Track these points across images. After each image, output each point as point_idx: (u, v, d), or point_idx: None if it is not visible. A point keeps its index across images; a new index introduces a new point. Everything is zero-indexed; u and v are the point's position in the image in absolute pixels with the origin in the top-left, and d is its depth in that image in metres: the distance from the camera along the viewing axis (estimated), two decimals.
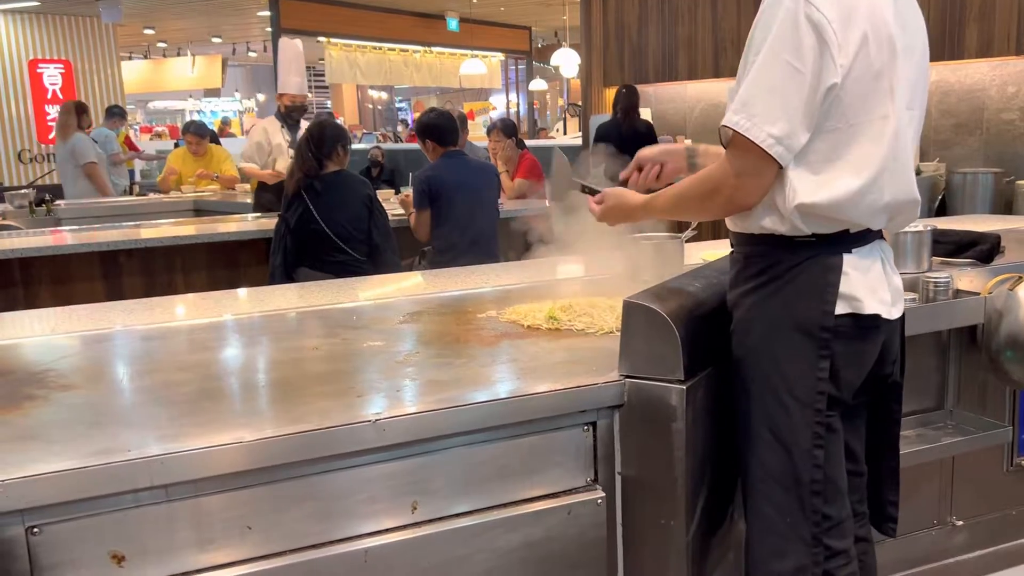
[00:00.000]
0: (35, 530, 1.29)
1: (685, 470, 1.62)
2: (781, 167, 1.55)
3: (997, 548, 2.74)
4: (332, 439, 1.45)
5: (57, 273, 4.32)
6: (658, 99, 8.15)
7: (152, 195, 7.46)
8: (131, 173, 9.39)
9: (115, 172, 8.06)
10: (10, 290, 4.21)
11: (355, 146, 9.23)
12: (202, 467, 1.36)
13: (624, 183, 2.11)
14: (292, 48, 5.59)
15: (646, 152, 2.12)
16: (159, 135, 17.19)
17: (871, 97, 1.54)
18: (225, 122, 18.06)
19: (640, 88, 7.41)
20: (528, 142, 8.11)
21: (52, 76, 11.70)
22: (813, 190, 1.55)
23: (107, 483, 1.31)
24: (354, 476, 1.49)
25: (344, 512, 1.48)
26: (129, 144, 9.85)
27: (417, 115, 7.78)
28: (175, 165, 7.30)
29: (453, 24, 14.43)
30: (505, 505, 1.60)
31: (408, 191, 4.87)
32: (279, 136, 5.45)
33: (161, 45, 18.32)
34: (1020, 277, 2.38)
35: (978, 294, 2.39)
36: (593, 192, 2.06)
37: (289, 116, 5.49)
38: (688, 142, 7.78)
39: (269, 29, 12.80)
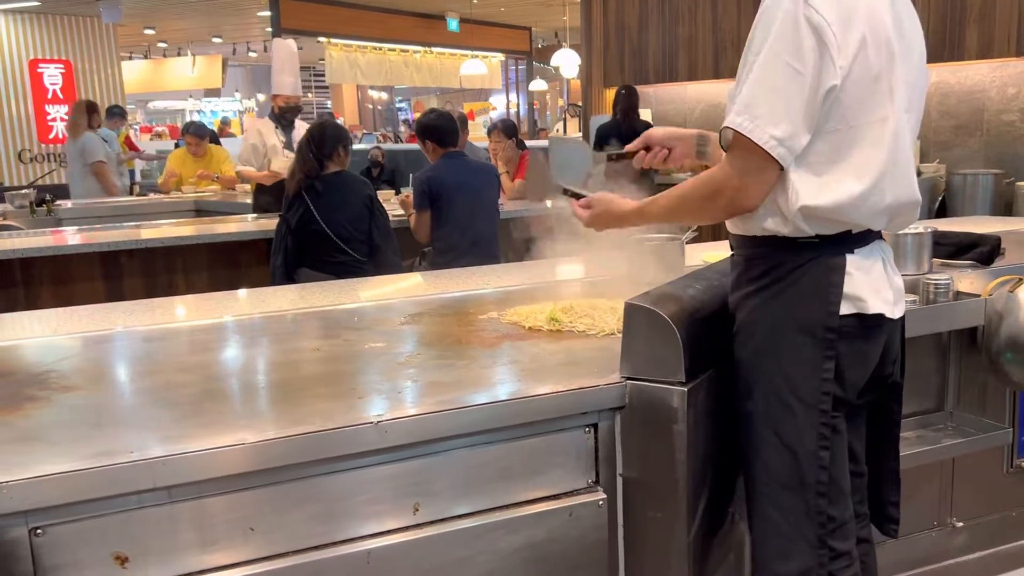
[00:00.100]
0: (38, 531, 1.29)
1: (686, 472, 1.63)
2: (782, 169, 1.55)
3: (997, 549, 2.74)
4: (334, 441, 1.45)
5: (58, 273, 4.33)
6: (658, 100, 8.15)
7: (153, 195, 7.46)
8: (131, 173, 9.39)
9: (115, 172, 8.07)
10: (11, 290, 4.22)
11: (355, 146, 9.23)
12: (205, 469, 1.37)
13: (624, 157, 2.08)
14: (286, 49, 5.58)
15: (656, 133, 2.09)
16: (159, 135, 17.19)
17: (870, 99, 1.55)
18: (225, 122, 18.06)
19: (640, 89, 7.41)
20: (528, 142, 8.12)
21: (52, 76, 11.70)
22: (816, 192, 1.56)
23: (110, 484, 1.31)
24: (356, 477, 1.49)
25: (346, 513, 1.49)
26: (129, 144, 9.86)
27: (418, 115, 7.78)
28: (175, 167, 7.31)
29: (453, 24, 14.43)
30: (507, 507, 1.60)
31: (408, 191, 4.87)
32: (273, 137, 5.46)
33: (161, 45, 18.32)
34: (1020, 279, 2.38)
35: (978, 296, 2.39)
36: (577, 196, 2.02)
37: (283, 117, 5.49)
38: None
39: (269, 29, 12.79)
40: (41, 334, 2.29)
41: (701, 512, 1.71)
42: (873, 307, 1.61)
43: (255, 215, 5.57)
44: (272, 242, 4.26)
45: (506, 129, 6.71)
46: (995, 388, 2.60)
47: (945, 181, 6.18)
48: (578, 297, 2.34)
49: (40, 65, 11.62)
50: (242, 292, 2.88)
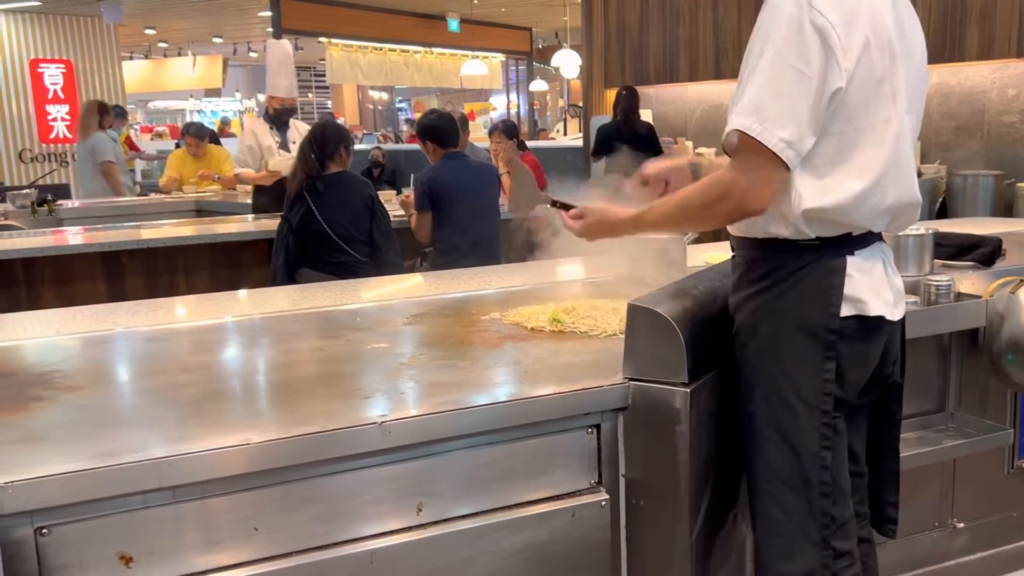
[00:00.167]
0: (44, 531, 1.29)
1: (689, 472, 1.63)
2: (789, 171, 1.55)
3: (998, 550, 2.75)
4: (338, 441, 1.45)
5: (60, 273, 4.33)
6: (659, 100, 8.16)
7: (154, 195, 7.47)
8: (132, 173, 9.40)
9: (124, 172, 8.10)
10: (13, 290, 4.22)
11: (356, 146, 9.25)
12: (209, 469, 1.37)
13: (568, 207, 2.00)
14: (281, 51, 5.57)
15: (652, 169, 2.08)
16: (160, 135, 17.20)
17: (874, 101, 1.56)
18: (225, 122, 18.06)
19: (641, 89, 7.42)
20: (528, 143, 8.12)
21: (53, 76, 11.70)
22: (818, 195, 1.56)
23: (115, 484, 1.32)
24: (360, 478, 1.49)
25: (350, 514, 1.49)
26: (130, 144, 9.87)
27: (418, 115, 7.79)
28: (175, 168, 7.31)
29: (454, 25, 14.44)
30: (510, 507, 1.61)
31: (408, 192, 4.87)
32: (268, 138, 5.46)
33: (162, 45, 18.32)
34: (1021, 280, 2.38)
35: (980, 297, 2.40)
36: (566, 207, 1.98)
37: (278, 118, 5.49)
38: (689, 144, 7.79)
39: (270, 29, 12.80)
40: (45, 334, 2.29)
41: (703, 513, 1.72)
42: (873, 309, 1.62)
43: (255, 215, 5.57)
44: (273, 242, 4.26)
45: (507, 130, 6.73)
46: (996, 389, 2.61)
47: (945, 182, 6.18)
48: (580, 298, 2.34)
49: (41, 65, 11.62)
50: (244, 292, 2.89)
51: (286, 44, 5.71)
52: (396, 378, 1.79)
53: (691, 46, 7.69)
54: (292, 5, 12.07)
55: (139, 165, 11.19)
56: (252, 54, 19.10)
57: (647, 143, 7.00)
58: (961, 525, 2.69)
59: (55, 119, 11.72)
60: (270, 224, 4.63)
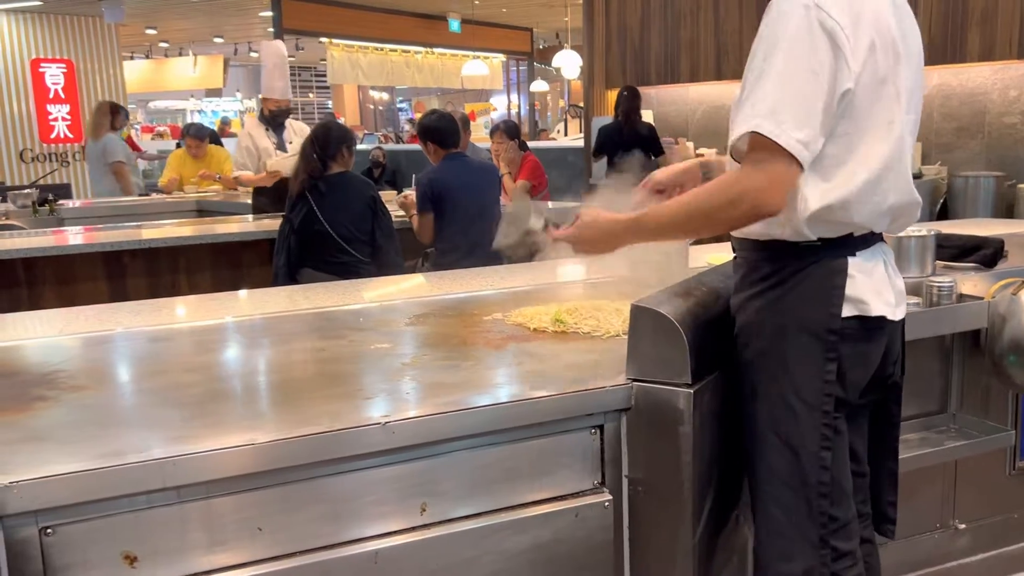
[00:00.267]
0: (49, 531, 1.30)
1: (692, 473, 1.63)
2: (801, 172, 1.53)
3: (1000, 551, 2.75)
4: (342, 441, 1.46)
5: (61, 273, 4.33)
6: (660, 101, 8.16)
7: (155, 195, 7.48)
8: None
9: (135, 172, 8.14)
10: (14, 290, 4.23)
11: (357, 147, 9.26)
12: (214, 469, 1.37)
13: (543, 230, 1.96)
14: (275, 52, 5.57)
15: (662, 175, 2.05)
16: (160, 135, 17.21)
17: (879, 102, 1.56)
18: (225, 122, 18.07)
19: (642, 90, 7.42)
20: (529, 143, 8.12)
21: (54, 75, 11.70)
22: (823, 196, 1.57)
23: (120, 484, 1.32)
24: (364, 478, 1.49)
25: (354, 514, 1.49)
26: (131, 144, 9.85)
27: (419, 116, 7.79)
28: (175, 168, 7.31)
29: (455, 25, 14.46)
30: (513, 507, 1.61)
31: (407, 192, 4.88)
32: (264, 139, 5.46)
33: (163, 45, 18.33)
34: (1023, 281, 2.38)
35: (981, 298, 2.40)
36: (556, 225, 1.90)
37: (274, 119, 5.49)
38: (690, 145, 7.78)
39: (271, 30, 12.80)
40: (47, 334, 2.29)
41: (706, 514, 1.72)
42: (875, 309, 1.62)
43: (255, 215, 5.57)
44: (275, 242, 4.27)
45: (508, 130, 6.73)
46: (998, 390, 2.61)
47: (946, 183, 6.19)
48: (583, 298, 2.34)
49: (42, 65, 11.62)
50: (246, 293, 2.89)
51: (280, 45, 5.71)
52: (399, 379, 1.79)
53: (692, 47, 7.70)
54: (293, 5, 12.08)
55: (140, 165, 11.18)
56: (253, 54, 19.11)
57: (648, 144, 7.01)
58: (963, 526, 2.69)
59: (56, 119, 11.72)
60: (272, 224, 4.63)
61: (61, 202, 6.34)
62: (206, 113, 22.61)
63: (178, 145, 9.89)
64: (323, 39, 13.50)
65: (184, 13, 14.04)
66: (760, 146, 1.51)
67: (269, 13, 12.39)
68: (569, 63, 13.30)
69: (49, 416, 1.58)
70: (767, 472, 1.67)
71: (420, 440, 1.52)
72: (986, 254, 2.62)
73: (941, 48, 6.13)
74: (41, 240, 4.64)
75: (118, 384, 1.90)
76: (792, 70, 1.49)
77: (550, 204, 5.95)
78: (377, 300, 2.66)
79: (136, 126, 17.71)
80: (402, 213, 4.82)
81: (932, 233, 2.54)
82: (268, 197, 5.40)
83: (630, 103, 7.09)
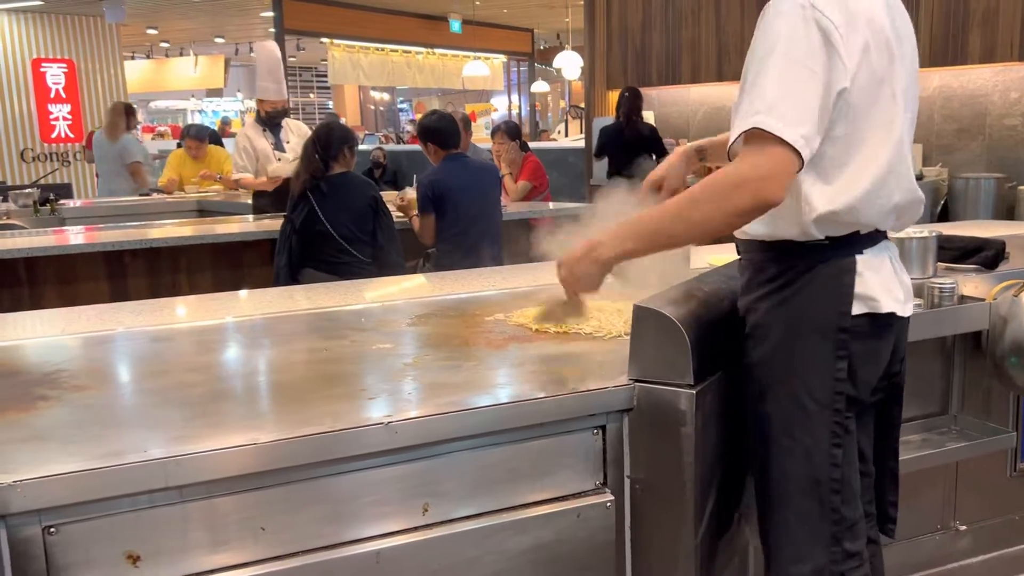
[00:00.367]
0: (52, 530, 1.30)
1: (694, 474, 1.63)
2: (800, 169, 1.52)
3: (1001, 553, 2.75)
4: (345, 441, 1.45)
5: (62, 273, 4.34)
6: (661, 102, 8.17)
7: (156, 195, 7.49)
8: None
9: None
10: (15, 290, 4.23)
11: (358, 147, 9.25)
12: (217, 468, 1.37)
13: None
14: (268, 53, 5.56)
15: (659, 171, 2.04)
16: (161, 135, 17.21)
17: (877, 102, 1.57)
18: (226, 122, 18.08)
19: (643, 91, 7.42)
20: (530, 144, 8.13)
21: (55, 75, 11.71)
22: (828, 198, 1.57)
23: (123, 484, 1.32)
24: (366, 478, 1.49)
25: (356, 514, 1.49)
26: None
27: (419, 116, 7.79)
28: (175, 168, 7.32)
29: (456, 26, 14.47)
30: (515, 508, 1.60)
31: (404, 193, 4.88)
32: (262, 140, 5.46)
33: (164, 45, 18.34)
34: None
35: (983, 300, 2.40)
36: None
37: (270, 120, 5.50)
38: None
39: (272, 30, 12.81)
40: (49, 334, 2.29)
41: (708, 514, 1.72)
42: (885, 306, 1.62)
43: (256, 216, 5.58)
44: (276, 242, 4.27)
45: (509, 131, 6.73)
46: (999, 392, 2.61)
47: (947, 185, 6.19)
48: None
49: (43, 64, 11.64)
50: (248, 293, 2.89)
51: (272, 46, 5.71)
52: (401, 379, 1.79)
53: (693, 48, 7.70)
54: (294, 5, 12.09)
55: None
56: (254, 54, 19.10)
57: (650, 144, 7.01)
58: (964, 528, 2.69)
59: (57, 118, 11.74)
60: (273, 224, 4.63)
61: (62, 202, 6.34)
62: (207, 113, 22.63)
63: (178, 145, 9.91)
64: (324, 39, 13.51)
65: (185, 13, 14.05)
66: (758, 138, 1.49)
67: (270, 13, 12.40)
68: (570, 64, 13.32)
69: (51, 415, 1.58)
70: (778, 473, 1.67)
71: (422, 440, 1.52)
72: (987, 256, 2.62)
73: (942, 50, 6.14)
74: (42, 240, 4.64)
75: (120, 384, 1.90)
76: (789, 69, 1.49)
77: (551, 205, 5.96)
78: (379, 300, 2.66)
79: (137, 126, 17.70)
80: (400, 214, 4.83)
81: (934, 235, 2.54)
82: (269, 198, 5.40)
83: (631, 104, 7.09)
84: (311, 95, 24.09)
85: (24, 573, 1.28)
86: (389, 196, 5.75)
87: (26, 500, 1.26)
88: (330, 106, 22.34)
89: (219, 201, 6.70)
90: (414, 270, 4.48)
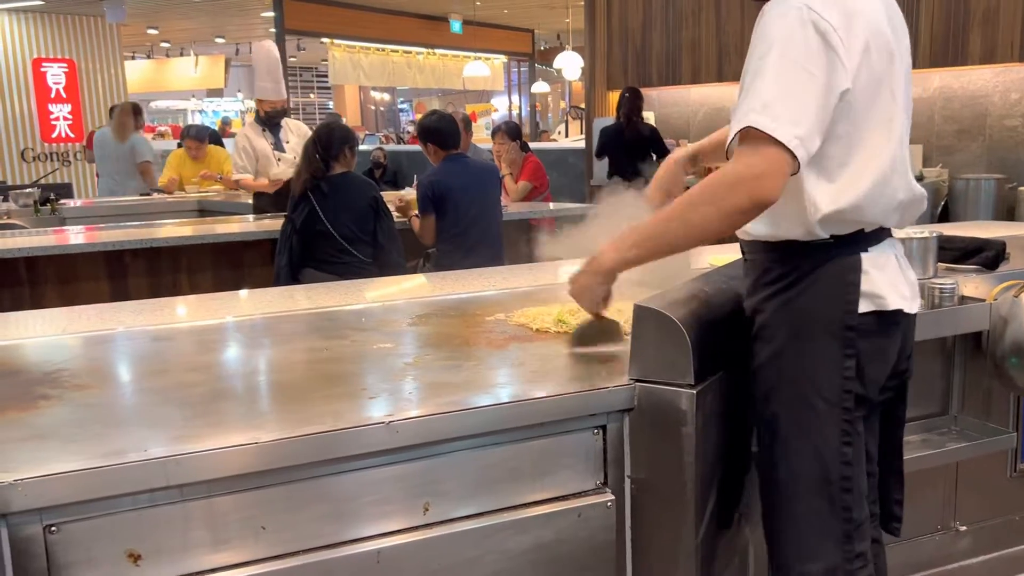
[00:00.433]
0: (53, 529, 1.30)
1: (694, 474, 1.63)
2: (797, 169, 1.52)
3: (1001, 553, 2.75)
4: (345, 441, 1.46)
5: (63, 273, 4.34)
6: (661, 103, 8.17)
7: (156, 195, 7.49)
8: None
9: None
10: (16, 289, 4.23)
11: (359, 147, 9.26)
12: (217, 468, 1.37)
13: None
14: (265, 53, 5.56)
15: (674, 185, 2.06)
16: (162, 135, 17.21)
17: (877, 102, 1.57)
18: (226, 122, 18.09)
19: (643, 92, 7.42)
20: (530, 144, 8.13)
21: (56, 75, 11.71)
22: (832, 198, 1.57)
23: (124, 483, 1.32)
24: (367, 477, 1.49)
25: (357, 513, 1.49)
26: None
27: (419, 116, 7.80)
28: (175, 168, 7.32)
29: (456, 26, 14.48)
30: (515, 507, 1.61)
31: (403, 193, 4.88)
32: (261, 140, 5.46)
33: (164, 45, 18.35)
34: None
35: (983, 300, 2.40)
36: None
37: (269, 120, 5.50)
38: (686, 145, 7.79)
39: (273, 30, 12.82)
40: (50, 333, 2.29)
41: (709, 514, 1.72)
42: (892, 303, 1.63)
43: (256, 215, 5.58)
44: (276, 242, 4.27)
45: (510, 131, 6.73)
46: (999, 392, 2.61)
47: (947, 186, 6.19)
48: None
49: (43, 64, 11.64)
50: (248, 293, 2.89)
51: (270, 46, 5.70)
52: (402, 378, 1.79)
53: (694, 48, 7.70)
54: (295, 6, 12.09)
55: None
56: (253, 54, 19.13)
57: (650, 145, 7.01)
58: (964, 528, 2.69)
59: (57, 118, 11.74)
60: (273, 224, 4.63)
61: (63, 201, 6.34)
62: (207, 113, 22.64)
63: (179, 145, 9.91)
64: (324, 39, 13.52)
65: (186, 13, 14.06)
66: (753, 138, 1.49)
67: (271, 13, 12.40)
68: (570, 64, 13.32)
69: (52, 415, 1.58)
70: (788, 472, 1.66)
71: (423, 440, 1.52)
72: (988, 256, 2.62)
73: (942, 50, 6.14)
74: (43, 239, 4.64)
75: (121, 383, 1.90)
76: (786, 70, 1.49)
77: (551, 205, 5.96)
78: (379, 300, 2.67)
79: (142, 126, 17.70)
80: (399, 214, 4.83)
81: (934, 235, 2.54)
82: (269, 199, 5.40)
83: (631, 104, 7.09)
84: (311, 95, 24.10)
85: (25, 572, 1.28)
86: (389, 196, 5.76)
87: (27, 499, 1.26)
88: (330, 106, 22.34)
89: (219, 201, 6.70)
90: (414, 270, 4.48)
